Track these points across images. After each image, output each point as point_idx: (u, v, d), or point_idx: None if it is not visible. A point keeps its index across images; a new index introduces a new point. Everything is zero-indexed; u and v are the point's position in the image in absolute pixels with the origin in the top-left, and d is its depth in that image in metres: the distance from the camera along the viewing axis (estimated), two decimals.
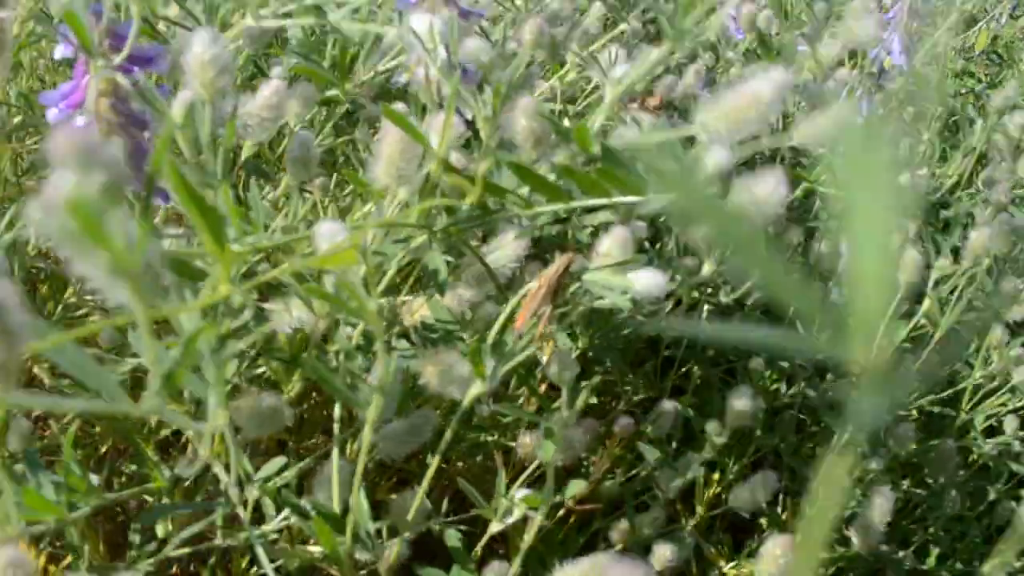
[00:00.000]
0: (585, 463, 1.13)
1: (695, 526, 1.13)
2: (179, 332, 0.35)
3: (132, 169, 0.44)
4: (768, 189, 0.49)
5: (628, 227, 0.54)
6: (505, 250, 0.59)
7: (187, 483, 0.77)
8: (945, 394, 1.17)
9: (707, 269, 0.81)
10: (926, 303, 1.02)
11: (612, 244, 0.55)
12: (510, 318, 0.55)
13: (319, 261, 0.35)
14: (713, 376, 1.32)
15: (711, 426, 0.84)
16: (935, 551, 1.13)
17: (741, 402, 0.80)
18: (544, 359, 0.76)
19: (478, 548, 0.81)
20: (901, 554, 1.10)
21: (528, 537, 0.60)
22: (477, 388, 0.54)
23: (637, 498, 1.07)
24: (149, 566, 0.66)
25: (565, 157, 0.48)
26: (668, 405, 0.88)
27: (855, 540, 0.86)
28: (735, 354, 1.31)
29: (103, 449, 0.99)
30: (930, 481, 1.12)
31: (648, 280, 0.52)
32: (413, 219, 0.55)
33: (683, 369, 1.25)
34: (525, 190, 0.51)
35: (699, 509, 1.17)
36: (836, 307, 0.17)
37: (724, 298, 1.28)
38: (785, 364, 1.23)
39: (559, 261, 0.53)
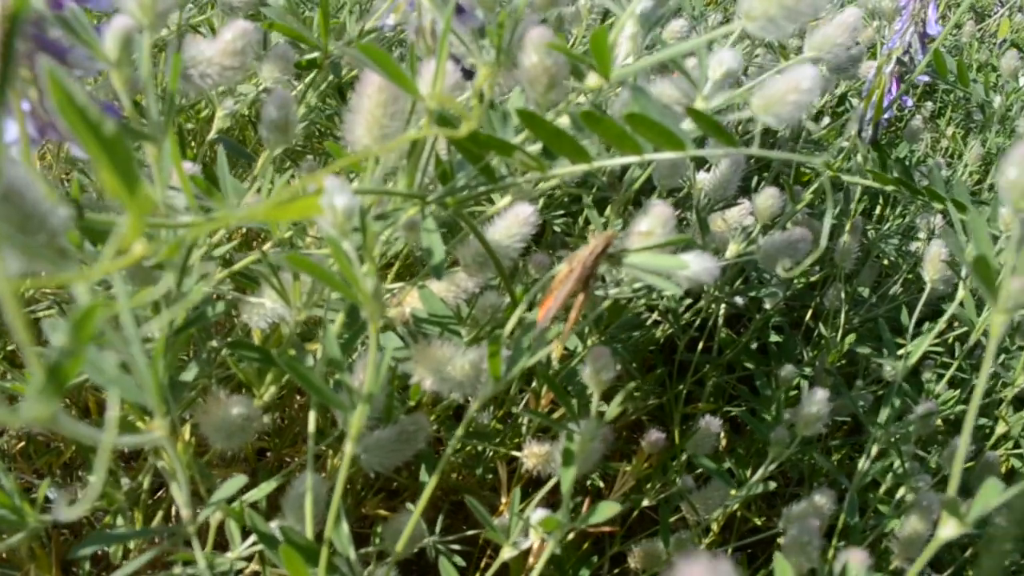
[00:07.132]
0: (593, 476, 1.05)
1: (707, 546, 1.05)
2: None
3: (46, 112, 0.36)
4: None
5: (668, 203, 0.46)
6: (508, 225, 0.50)
7: (146, 499, 0.68)
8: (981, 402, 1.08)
9: (732, 251, 0.73)
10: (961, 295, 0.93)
11: (654, 222, 0.46)
12: (530, 306, 0.46)
13: (275, 210, 0.26)
14: (727, 384, 1.24)
15: (778, 435, 0.73)
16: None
17: (816, 407, 0.69)
18: (555, 357, 0.66)
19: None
20: None
21: (540, 564, 0.51)
22: (489, 389, 0.45)
23: (628, 519, 0.98)
24: None
25: (580, 102, 0.40)
26: (713, 422, 0.78)
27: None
28: (753, 361, 1.23)
29: (68, 454, 0.90)
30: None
31: (699, 263, 0.43)
32: (402, 187, 0.46)
33: (696, 376, 1.17)
34: (536, 147, 0.42)
35: (714, 527, 1.08)
36: None
37: (741, 300, 1.21)
38: (809, 371, 1.15)
39: (596, 240, 0.44)
